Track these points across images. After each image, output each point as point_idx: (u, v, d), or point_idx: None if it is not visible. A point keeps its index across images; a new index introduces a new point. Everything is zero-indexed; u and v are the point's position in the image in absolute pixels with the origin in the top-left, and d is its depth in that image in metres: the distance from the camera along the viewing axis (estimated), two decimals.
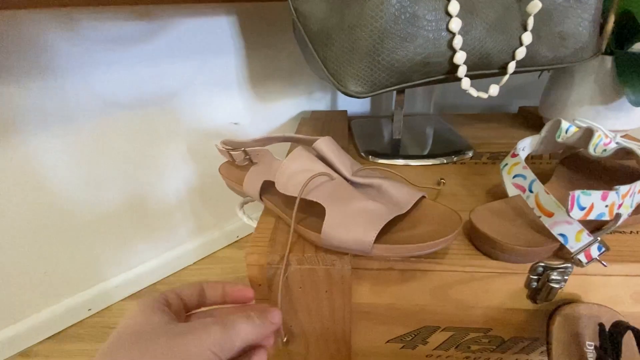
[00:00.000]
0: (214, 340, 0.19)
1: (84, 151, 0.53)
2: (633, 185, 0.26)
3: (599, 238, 0.27)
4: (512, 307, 0.33)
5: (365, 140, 0.58)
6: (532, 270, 0.30)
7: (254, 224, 0.45)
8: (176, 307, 0.23)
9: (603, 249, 0.28)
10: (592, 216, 0.22)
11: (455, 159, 0.50)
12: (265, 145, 0.40)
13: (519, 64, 0.39)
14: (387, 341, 0.37)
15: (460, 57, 0.36)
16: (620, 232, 0.33)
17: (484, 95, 0.40)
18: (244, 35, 0.62)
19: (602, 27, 0.48)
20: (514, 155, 0.34)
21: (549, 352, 0.31)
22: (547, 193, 0.28)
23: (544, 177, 0.37)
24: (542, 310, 0.33)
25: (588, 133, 0.32)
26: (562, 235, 0.27)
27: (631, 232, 0.33)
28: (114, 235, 0.61)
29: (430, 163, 0.50)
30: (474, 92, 0.39)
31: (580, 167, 0.39)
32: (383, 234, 0.28)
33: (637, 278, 0.30)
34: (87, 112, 0.52)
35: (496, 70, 0.40)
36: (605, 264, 0.28)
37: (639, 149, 0.31)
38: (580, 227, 0.26)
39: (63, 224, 0.55)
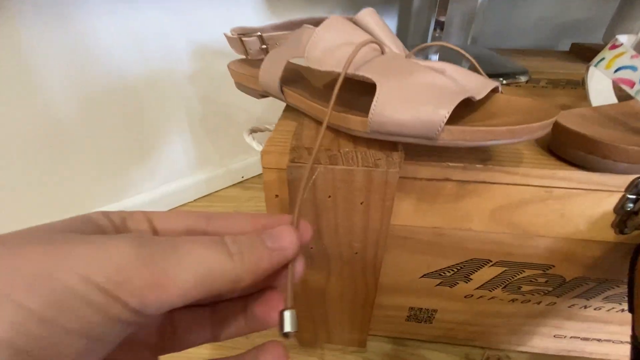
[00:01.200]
0: (101, 257, 0.10)
1: (81, 62, 0.45)
2: None
3: None
4: (589, 237, 0.27)
5: None
6: (632, 186, 0.23)
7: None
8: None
9: None
10: None
11: (504, 81, 0.42)
12: (288, 30, 0.32)
13: None
14: (423, 275, 0.32)
15: None
16: None
17: None
18: None
19: None
20: (615, 47, 0.26)
21: (630, 299, 0.25)
22: None
23: None
24: (625, 244, 0.27)
25: None
26: None
27: None
28: (105, 161, 0.54)
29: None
30: None
31: None
32: (451, 123, 0.21)
33: None
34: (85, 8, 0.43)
35: None
36: None
37: None
38: None
39: (51, 140, 0.47)
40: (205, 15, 0.53)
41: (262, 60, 0.31)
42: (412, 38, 0.74)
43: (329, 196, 0.25)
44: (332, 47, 0.23)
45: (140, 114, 0.54)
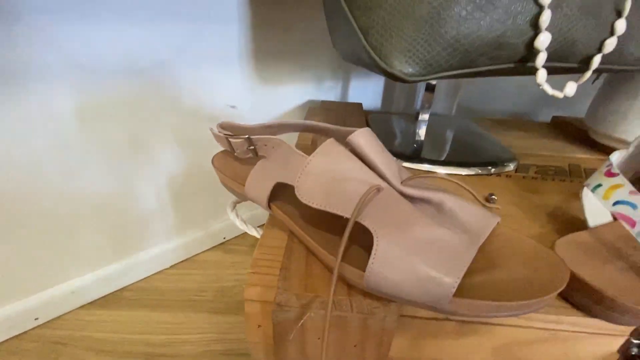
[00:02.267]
0: None
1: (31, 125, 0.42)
2: None
3: None
4: None
5: (384, 139, 0.49)
6: (637, 333, 0.22)
7: (249, 230, 0.36)
8: None
9: None
10: None
11: (492, 170, 0.42)
12: (278, 133, 0.30)
13: (605, 58, 0.31)
14: None
15: (543, 40, 0.28)
16: None
17: (560, 95, 0.32)
18: (252, 4, 0.52)
19: None
20: (611, 174, 0.26)
21: None
22: None
23: None
24: None
25: None
26: None
27: None
28: (74, 228, 0.50)
29: (464, 173, 0.41)
30: (548, 89, 0.31)
31: None
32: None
33: None
34: (51, 76, 0.41)
35: (575, 65, 0.32)
36: None
37: None
38: None
39: (15, 211, 0.43)
40: (199, 85, 0.52)
41: (249, 159, 0.29)
42: (397, 98, 0.75)
43: (319, 338, 0.22)
44: (327, 181, 0.22)
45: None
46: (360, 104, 0.63)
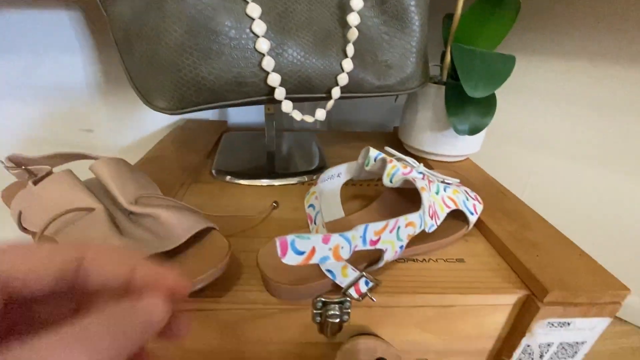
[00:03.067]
0: None
1: None
2: (392, 221, 0.26)
3: (364, 273, 0.27)
4: (309, 341, 0.32)
5: (228, 156, 0.54)
6: (313, 305, 0.29)
7: None
8: None
9: (371, 284, 0.27)
10: (314, 260, 0.21)
11: (306, 178, 0.49)
12: (55, 164, 0.34)
13: (345, 89, 0.39)
14: None
15: (274, 79, 0.35)
16: (413, 260, 0.34)
17: (310, 119, 0.39)
18: (93, 34, 0.55)
19: (442, 56, 0.51)
20: (314, 184, 0.33)
21: None
22: (324, 227, 0.27)
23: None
24: (338, 343, 0.32)
25: (383, 163, 0.33)
26: (329, 271, 0.26)
27: (424, 260, 0.34)
28: None
29: (289, 182, 0.48)
30: (297, 116, 0.38)
31: (405, 193, 0.40)
32: None
33: (417, 309, 0.31)
34: None
35: (323, 95, 0.39)
36: (374, 299, 0.28)
37: (425, 179, 0.32)
38: (344, 262, 0.26)
39: None
40: (44, 111, 0.54)
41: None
42: (277, 116, 0.81)
43: None
44: (46, 204, 0.26)
45: None
46: (224, 122, 0.69)
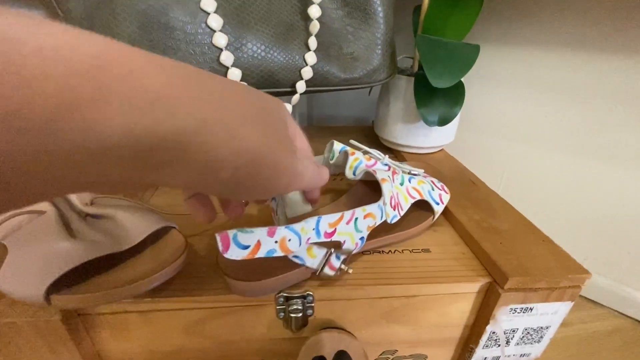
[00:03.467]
0: None
1: None
2: (348, 212, 0.26)
3: (332, 250, 0.26)
4: (276, 337, 0.32)
5: None
6: (275, 300, 0.29)
7: None
8: None
9: (342, 257, 0.27)
10: (261, 254, 0.21)
11: None
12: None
13: (310, 83, 0.39)
14: None
15: (235, 74, 0.34)
16: (379, 252, 0.33)
17: None
18: None
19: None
20: None
21: None
22: (286, 219, 0.27)
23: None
24: (305, 338, 0.32)
25: (345, 156, 0.33)
26: (295, 257, 0.26)
27: (389, 251, 0.34)
28: None
29: None
30: None
31: (375, 186, 0.40)
32: (92, 277, 0.24)
33: (382, 300, 0.31)
34: None
35: (288, 89, 0.39)
36: (350, 270, 0.27)
37: (387, 170, 0.32)
38: (306, 244, 0.25)
39: None
40: None
41: None
42: None
43: (7, 345, 0.26)
44: None
45: None
46: None
